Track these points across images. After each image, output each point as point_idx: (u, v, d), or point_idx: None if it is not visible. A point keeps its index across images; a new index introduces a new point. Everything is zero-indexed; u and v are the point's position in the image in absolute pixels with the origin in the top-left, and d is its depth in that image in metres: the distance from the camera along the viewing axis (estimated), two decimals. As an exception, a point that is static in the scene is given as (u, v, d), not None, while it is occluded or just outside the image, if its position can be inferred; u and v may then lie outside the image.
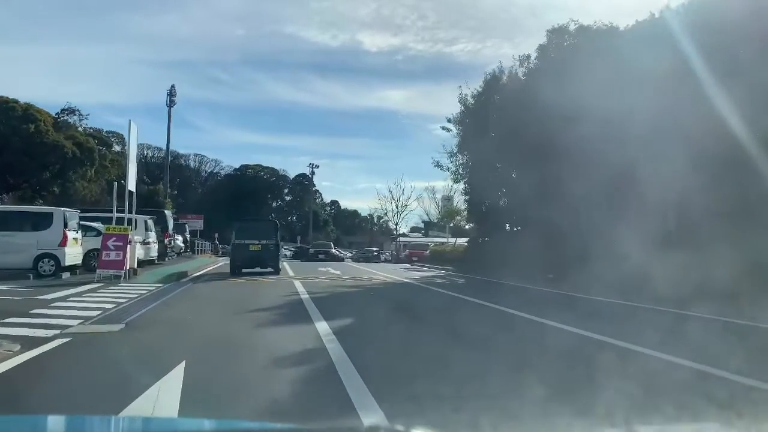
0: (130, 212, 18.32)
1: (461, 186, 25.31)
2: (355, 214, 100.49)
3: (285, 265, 29.05)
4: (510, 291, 15.13)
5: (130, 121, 17.50)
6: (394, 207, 58.80)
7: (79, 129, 54.67)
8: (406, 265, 31.55)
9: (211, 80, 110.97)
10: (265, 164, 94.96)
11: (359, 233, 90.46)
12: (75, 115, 57.26)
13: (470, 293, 14.05)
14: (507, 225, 22.32)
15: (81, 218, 19.93)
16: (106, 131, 70.53)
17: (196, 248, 38.10)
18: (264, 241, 20.25)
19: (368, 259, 43.02)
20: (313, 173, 79.37)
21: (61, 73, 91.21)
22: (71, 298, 12.01)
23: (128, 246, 16.87)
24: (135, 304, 11.33)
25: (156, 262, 24.40)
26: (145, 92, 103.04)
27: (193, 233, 41.47)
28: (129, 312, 10.05)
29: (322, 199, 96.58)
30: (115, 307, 10.67)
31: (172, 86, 43.84)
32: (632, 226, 14.65)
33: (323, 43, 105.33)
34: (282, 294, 13.60)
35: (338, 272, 22.84)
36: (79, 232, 18.08)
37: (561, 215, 17.75)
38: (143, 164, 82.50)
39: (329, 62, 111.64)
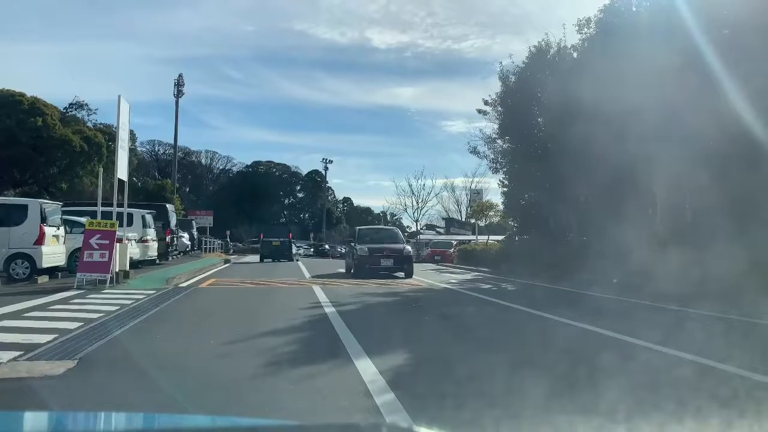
0: (120, 205, 15.46)
1: (499, 176, 22.25)
2: (368, 211, 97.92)
3: (300, 265, 26.08)
4: (582, 301, 12.10)
5: (119, 96, 14.62)
6: (414, 203, 55.88)
7: (88, 124, 52.16)
8: (432, 266, 28.51)
9: (222, 77, 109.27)
10: (276, 161, 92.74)
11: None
12: (83, 109, 54.74)
13: (537, 305, 11.00)
14: (551, 222, 19.21)
15: (69, 212, 17.14)
16: (116, 126, 68.51)
17: (205, 246, 35.28)
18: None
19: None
20: (326, 168, 76.54)
21: (70, 69, 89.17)
22: (30, 312, 9.13)
23: (116, 245, 14.03)
24: (110, 321, 8.42)
25: (157, 262, 21.57)
26: (156, 89, 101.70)
27: (202, 230, 38.69)
28: (94, 337, 7.14)
29: (334, 196, 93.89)
30: (80, 327, 7.78)
31: (180, 75, 41.13)
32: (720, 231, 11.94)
33: (332, 41, 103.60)
34: (300, 306, 10.64)
35: (360, 274, 19.88)
36: (62, 228, 15.23)
37: (628, 212, 14.70)
38: (154, 161, 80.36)
39: (338, 59, 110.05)
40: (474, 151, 21.95)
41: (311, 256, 49.52)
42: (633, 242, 16.02)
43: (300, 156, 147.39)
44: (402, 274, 18.41)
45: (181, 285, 14.85)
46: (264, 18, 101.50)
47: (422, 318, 9.67)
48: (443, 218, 63.90)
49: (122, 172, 14.97)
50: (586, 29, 17.56)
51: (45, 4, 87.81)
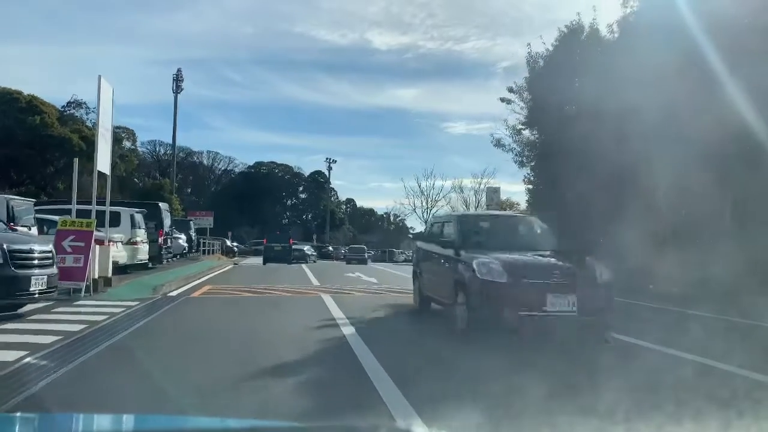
0: (103, 202, 13.32)
1: (525, 171, 20.06)
2: (371, 212, 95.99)
3: (306, 270, 23.86)
4: (636, 313, 9.96)
5: (99, 77, 12.47)
6: (424, 203, 53.71)
7: (87, 123, 50.12)
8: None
9: (222, 79, 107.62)
10: (278, 162, 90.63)
11: (375, 232, 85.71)
12: (82, 108, 52.75)
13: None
14: (584, 221, 17.00)
15: (50, 211, 15.01)
16: (116, 126, 66.40)
17: (204, 249, 33.11)
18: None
19: (390, 259, 38.46)
20: (330, 168, 74.35)
21: (69, 71, 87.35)
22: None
23: (95, 247, 11.90)
24: (62, 350, 6.28)
25: (150, 266, 19.39)
26: (156, 91, 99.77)
27: (201, 231, 36.52)
28: (26, 380, 5.02)
29: (337, 197, 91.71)
30: (18, 360, 5.65)
31: (179, 70, 38.99)
32: None
33: (333, 42, 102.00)
34: (311, 325, 8.48)
35: (372, 280, 17.70)
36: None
37: (692, 215, 12.59)
38: (155, 162, 78.23)
39: (339, 61, 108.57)
40: (498, 144, 19.81)
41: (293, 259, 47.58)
42: (683, 247, 13.96)
43: (301, 157, 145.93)
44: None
45: (170, 294, 12.71)
46: (263, 20, 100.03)
47: (470, 348, 7.49)
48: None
49: (103, 163, 12.81)
50: (632, 2, 15.38)
51: (46, 6, 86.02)
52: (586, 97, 16.68)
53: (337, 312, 9.79)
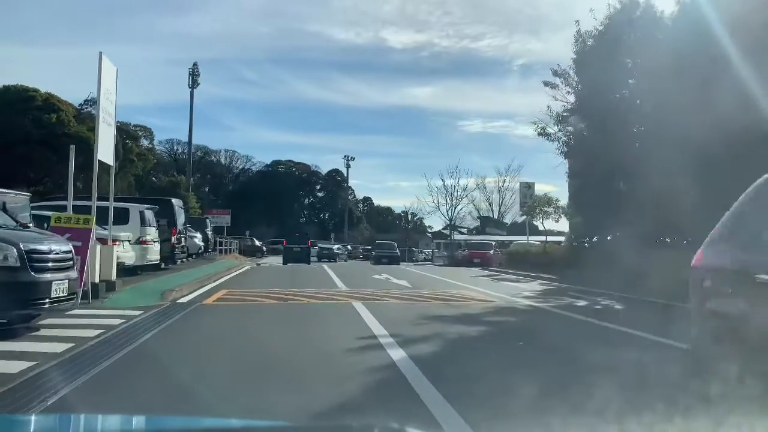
0: (106, 197, 11.75)
1: (569, 163, 18.15)
2: (388, 211, 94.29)
3: (328, 271, 22.10)
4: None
5: (101, 54, 10.86)
6: (448, 201, 51.89)
7: (104, 121, 48.64)
8: (476, 270, 24.47)
9: (238, 79, 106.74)
10: (296, 161, 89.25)
11: (393, 231, 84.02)
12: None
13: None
14: (641, 220, 15.06)
15: (54, 207, 13.46)
16: (134, 125, 65.33)
17: (221, 248, 31.58)
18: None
19: (409, 258, 36.61)
20: (348, 165, 72.59)
21: (87, 70, 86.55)
22: None
23: (96, 247, 10.33)
24: (26, 387, 4.65)
25: (162, 267, 17.83)
26: (173, 91, 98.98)
27: (218, 230, 35.05)
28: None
29: (354, 196, 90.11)
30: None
31: (195, 64, 37.52)
32: None
33: (348, 41, 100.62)
34: (348, 345, 6.75)
35: (403, 282, 15.93)
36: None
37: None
38: (173, 161, 77.23)
39: (354, 60, 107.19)
40: (543, 133, 17.88)
41: (324, 258, 45.75)
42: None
43: (318, 156, 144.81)
44: (456, 281, 14.43)
45: (180, 300, 11.07)
46: (278, 20, 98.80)
47: (558, 372, 5.67)
48: (478, 217, 59.74)
49: (105, 152, 11.21)
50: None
51: (64, 8, 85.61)
52: (642, 80, 14.79)
53: (375, 326, 8.06)
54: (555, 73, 17.28)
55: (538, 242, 26.57)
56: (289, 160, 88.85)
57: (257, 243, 42.13)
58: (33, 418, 2.43)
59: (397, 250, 35.25)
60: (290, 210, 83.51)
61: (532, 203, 24.69)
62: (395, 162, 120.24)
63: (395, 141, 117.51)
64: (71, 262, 7.59)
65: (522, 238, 30.99)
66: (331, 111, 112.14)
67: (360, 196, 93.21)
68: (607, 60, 15.31)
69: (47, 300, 6.91)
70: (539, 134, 17.76)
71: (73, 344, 6.39)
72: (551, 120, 18.45)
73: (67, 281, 7.23)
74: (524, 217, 26.24)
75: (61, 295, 7.12)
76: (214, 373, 5.49)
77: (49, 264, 7.01)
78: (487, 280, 17.97)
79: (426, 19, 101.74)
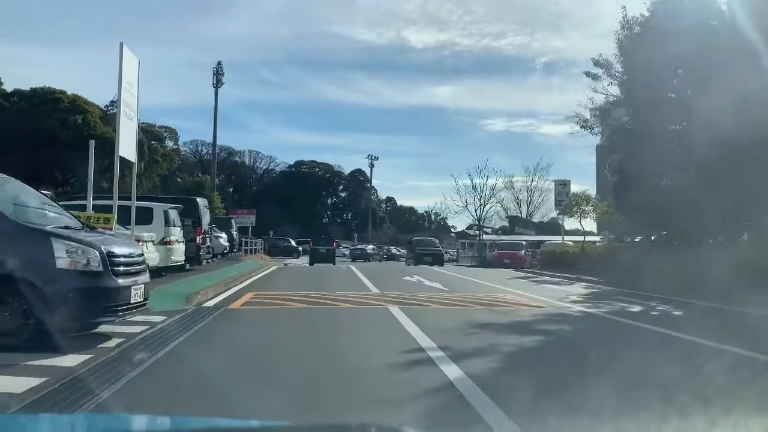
0: (124, 196, 11.11)
1: (610, 159, 17.05)
2: (411, 211, 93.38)
3: (356, 271, 21.29)
4: None
5: (122, 44, 10.21)
6: (476, 200, 50.82)
7: (130, 122, 48.72)
8: (509, 271, 23.44)
9: (261, 81, 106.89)
10: (319, 161, 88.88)
11: (416, 231, 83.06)
12: (124, 107, 51.58)
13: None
14: (694, 220, 13.94)
15: (77, 207, 12.86)
16: (158, 125, 65.45)
17: (246, 248, 31.03)
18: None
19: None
20: (372, 165, 71.81)
21: (112, 75, 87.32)
22: None
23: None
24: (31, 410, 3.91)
25: (187, 267, 17.22)
26: (197, 94, 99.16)
27: (243, 230, 34.52)
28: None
29: (377, 196, 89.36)
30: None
31: (219, 63, 37.10)
32: None
33: (369, 41, 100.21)
34: (393, 359, 5.92)
35: (437, 285, 15.04)
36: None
37: None
38: (197, 162, 77.33)
39: (376, 60, 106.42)
40: (585, 126, 16.82)
41: (358, 259, 44.87)
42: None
43: (340, 157, 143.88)
44: (493, 284, 13.51)
45: (206, 304, 10.36)
46: (300, 22, 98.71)
47: (648, 397, 4.75)
48: (506, 217, 58.47)
49: (127, 148, 10.54)
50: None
51: (89, 11, 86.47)
52: (693, 69, 13.71)
53: (419, 335, 7.21)
54: (596, 64, 16.20)
55: (571, 242, 25.43)
56: (312, 161, 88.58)
57: (292, 243, 41.48)
58: (37, 418, 2.39)
59: (441, 248, 32.19)
60: (313, 210, 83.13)
61: (569, 202, 23.58)
62: (417, 162, 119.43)
63: (417, 141, 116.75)
64: (144, 266, 7.10)
65: (554, 238, 29.85)
66: (352, 111, 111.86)
67: (382, 196, 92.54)
68: (655, 48, 14.21)
69: (127, 306, 6.39)
70: (581, 127, 16.72)
71: (91, 356, 5.69)
72: (588, 113, 17.45)
73: (143, 286, 6.74)
74: (560, 215, 25.10)
75: (138, 300, 6.62)
76: (242, 393, 4.69)
77: (128, 267, 6.51)
78: (525, 283, 16.96)
79: (448, 18, 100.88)
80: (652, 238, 16.53)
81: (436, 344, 6.56)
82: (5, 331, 5.78)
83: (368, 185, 79.60)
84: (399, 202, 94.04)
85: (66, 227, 6.59)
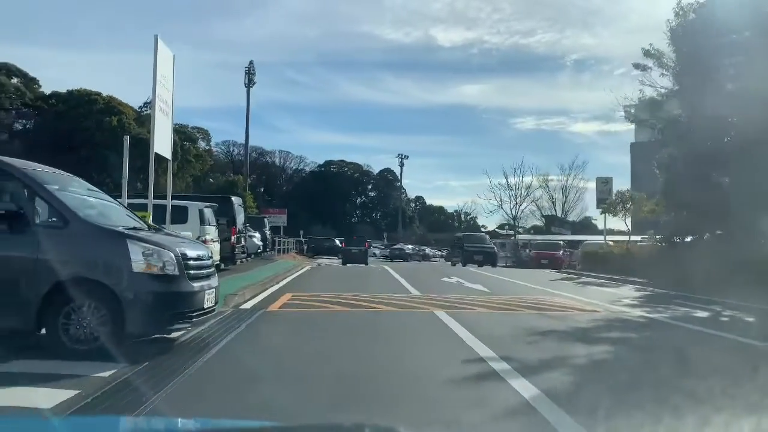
0: (158, 195, 10.76)
1: (660, 155, 16.15)
2: (440, 210, 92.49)
3: (391, 272, 20.73)
4: None
5: (156, 37, 9.85)
6: (511, 199, 49.81)
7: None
8: (549, 272, 22.59)
9: (290, 82, 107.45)
10: (348, 161, 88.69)
11: (446, 230, 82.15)
12: (158, 108, 52.06)
13: None
14: (753, 219, 13.00)
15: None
16: (191, 126, 65.95)
17: (279, 247, 30.78)
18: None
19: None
20: (402, 164, 71.13)
21: (145, 77, 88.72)
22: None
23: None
24: None
25: (222, 267, 16.89)
26: (228, 95, 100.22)
27: (275, 230, 34.31)
28: None
29: (406, 195, 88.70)
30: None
31: (251, 63, 36.92)
32: None
33: (397, 41, 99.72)
34: (449, 367, 5.35)
35: (479, 287, 14.38)
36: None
37: None
38: (229, 162, 77.82)
39: (404, 60, 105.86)
40: (633, 120, 15.95)
41: (387, 258, 44.25)
42: None
43: (369, 156, 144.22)
44: (537, 285, 12.79)
45: (243, 306, 9.93)
46: (327, 22, 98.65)
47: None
48: (542, 216, 57.23)
49: (162, 144, 10.19)
50: None
51: (122, 14, 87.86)
52: (753, 59, 12.78)
53: (475, 343, 6.61)
54: (646, 54, 15.31)
55: (611, 242, 24.45)
56: (341, 160, 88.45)
57: (337, 242, 40.93)
58: (39, 419, 2.42)
59: (493, 245, 29.20)
60: (342, 210, 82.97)
61: (613, 200, 22.63)
62: (445, 161, 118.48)
63: (445, 140, 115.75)
64: (213, 269, 6.68)
65: (594, 238, 28.84)
66: (381, 111, 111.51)
67: (411, 195, 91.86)
68: (711, 36, 13.32)
69: (201, 312, 6.02)
70: (631, 122, 15.84)
71: (125, 364, 5.23)
72: (633, 108, 16.56)
73: (214, 290, 6.32)
74: (603, 214, 24.11)
75: (210, 305, 6.25)
76: (290, 410, 4.16)
77: (200, 271, 6.11)
78: (570, 285, 16.17)
79: (476, 15, 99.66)
80: (705, 237, 15.59)
81: (496, 354, 5.96)
82: (77, 337, 5.43)
83: (398, 184, 78.95)
84: (431, 202, 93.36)
85: (135, 228, 6.18)
